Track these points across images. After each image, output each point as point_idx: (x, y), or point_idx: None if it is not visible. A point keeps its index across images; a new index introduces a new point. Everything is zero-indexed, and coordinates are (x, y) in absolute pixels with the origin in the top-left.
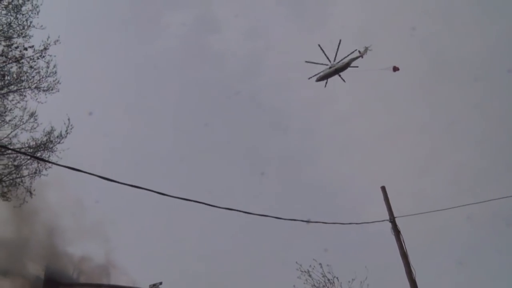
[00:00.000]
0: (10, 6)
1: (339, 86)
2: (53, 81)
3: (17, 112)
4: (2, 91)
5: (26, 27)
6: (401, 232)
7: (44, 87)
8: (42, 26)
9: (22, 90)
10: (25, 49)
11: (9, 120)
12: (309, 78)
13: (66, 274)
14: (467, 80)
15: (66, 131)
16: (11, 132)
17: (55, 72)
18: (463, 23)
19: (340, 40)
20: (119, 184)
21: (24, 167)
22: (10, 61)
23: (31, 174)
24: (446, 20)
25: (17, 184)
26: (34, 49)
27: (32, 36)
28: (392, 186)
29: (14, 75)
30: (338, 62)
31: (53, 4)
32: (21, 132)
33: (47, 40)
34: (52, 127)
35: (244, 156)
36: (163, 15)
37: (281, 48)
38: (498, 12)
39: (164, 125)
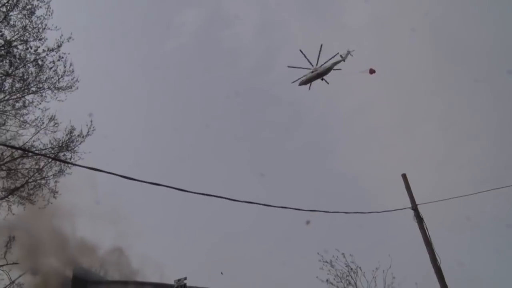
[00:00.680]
0: (25, 10)
1: (354, 78)
2: (71, 79)
3: (38, 113)
4: (23, 94)
5: (41, 30)
6: (424, 219)
7: (63, 86)
8: (56, 27)
9: (42, 90)
10: (42, 51)
11: (32, 121)
12: (292, 82)
13: (94, 273)
14: (487, 68)
15: (87, 132)
16: (34, 135)
17: (72, 71)
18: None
19: (321, 45)
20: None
21: (48, 168)
22: (28, 63)
23: (55, 174)
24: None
25: (41, 186)
26: (49, 48)
27: (47, 39)
28: (412, 175)
29: (33, 76)
30: (320, 66)
31: (66, 5)
32: (44, 134)
33: (60, 38)
34: (72, 126)
35: (258, 151)
36: (174, 15)
37: (294, 41)
38: None
39: (183, 122)
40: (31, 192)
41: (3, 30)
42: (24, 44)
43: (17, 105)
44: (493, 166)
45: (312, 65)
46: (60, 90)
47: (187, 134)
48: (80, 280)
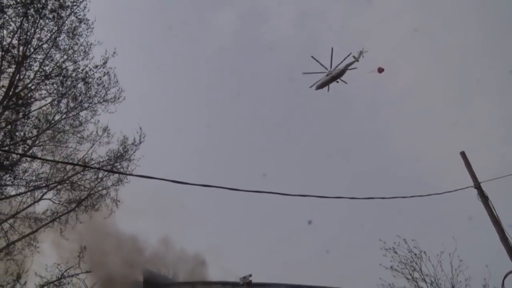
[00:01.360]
0: (71, 34)
1: (398, 61)
2: (117, 90)
3: (91, 127)
4: (77, 111)
5: (87, 49)
6: (489, 198)
7: (110, 98)
8: (99, 41)
9: (93, 105)
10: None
11: (87, 136)
12: (309, 87)
13: (163, 275)
14: None
15: (139, 139)
16: (90, 148)
17: (117, 81)
18: None
19: (332, 48)
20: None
21: (107, 178)
22: (78, 82)
23: (114, 184)
24: None
25: (103, 196)
26: (96, 65)
27: (93, 57)
28: (472, 153)
29: (84, 93)
30: (334, 69)
31: (102, 16)
32: (99, 146)
33: (105, 54)
34: (124, 136)
35: (312, 142)
36: (211, 17)
37: (332, 30)
38: None
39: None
40: (95, 202)
41: (54, 55)
42: (73, 64)
43: (74, 123)
44: None
45: (326, 69)
46: (109, 102)
47: (227, 132)
48: (150, 283)
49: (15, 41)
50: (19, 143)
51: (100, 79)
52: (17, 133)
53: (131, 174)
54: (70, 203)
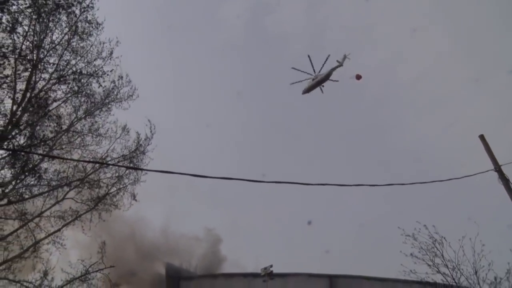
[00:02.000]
0: (84, 35)
1: (406, 48)
2: (131, 88)
3: (108, 125)
4: (93, 111)
5: (99, 48)
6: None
7: (124, 96)
8: (110, 39)
9: (108, 104)
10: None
11: (104, 133)
12: (303, 94)
13: (185, 269)
14: None
15: (151, 132)
16: (109, 147)
17: (129, 80)
18: None
19: (328, 55)
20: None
21: (126, 175)
22: (92, 81)
23: (132, 181)
24: None
25: (122, 193)
26: (103, 57)
27: (109, 57)
28: (491, 135)
29: (98, 93)
30: (319, 73)
31: (112, 12)
32: (117, 143)
33: (110, 44)
34: (137, 132)
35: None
36: (218, 10)
37: (341, 17)
38: None
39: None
40: (115, 199)
41: (67, 56)
42: (87, 65)
43: (92, 126)
44: None
45: (315, 71)
46: (122, 100)
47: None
48: (173, 277)
49: (28, 43)
50: (39, 145)
51: (112, 79)
52: (37, 135)
53: (150, 170)
54: (91, 201)
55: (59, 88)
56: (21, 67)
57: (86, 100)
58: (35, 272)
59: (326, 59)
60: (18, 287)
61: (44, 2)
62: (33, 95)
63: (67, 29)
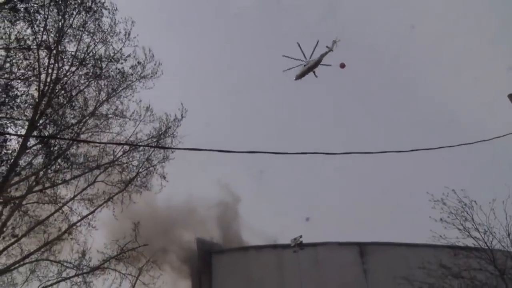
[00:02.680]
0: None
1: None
2: (155, 64)
3: (133, 106)
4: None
5: (114, 28)
6: None
7: (148, 74)
8: (125, 18)
9: (132, 83)
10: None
11: (130, 116)
12: (295, 80)
13: (216, 243)
14: None
15: (181, 115)
16: (135, 127)
17: (152, 56)
18: None
19: (317, 41)
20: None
21: (154, 156)
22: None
23: (160, 162)
24: None
25: (151, 173)
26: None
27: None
28: None
29: (120, 72)
30: (311, 59)
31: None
32: (143, 125)
33: (126, 25)
34: (166, 113)
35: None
36: None
37: None
38: None
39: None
40: (144, 180)
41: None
42: (104, 45)
43: (116, 108)
44: None
45: (306, 58)
46: (146, 78)
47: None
48: (204, 252)
49: (47, 32)
50: (66, 130)
51: (135, 57)
52: (63, 121)
53: (177, 148)
54: (121, 183)
55: (80, 74)
56: (43, 56)
57: (107, 83)
58: (73, 253)
59: (316, 45)
60: (59, 267)
61: None
62: (57, 82)
63: (83, 12)
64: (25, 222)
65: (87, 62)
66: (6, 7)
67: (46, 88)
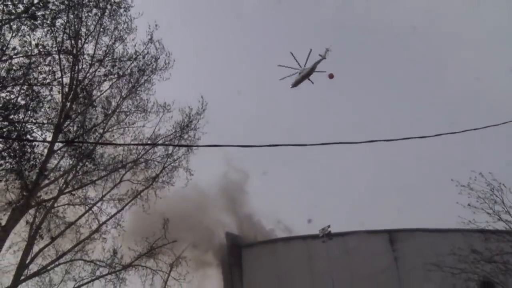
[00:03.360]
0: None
1: None
2: (166, 55)
3: (152, 98)
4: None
5: (130, 24)
6: None
7: (162, 66)
8: (140, 13)
9: (149, 77)
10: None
11: (151, 108)
12: (291, 88)
13: (245, 237)
14: None
15: (202, 108)
16: (157, 124)
17: (163, 47)
18: None
19: (310, 50)
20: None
21: (177, 151)
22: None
23: (184, 154)
24: None
25: (176, 168)
26: (144, 42)
27: (136, 28)
28: None
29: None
30: (305, 67)
31: None
32: (165, 121)
33: (150, 28)
34: (189, 107)
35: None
36: None
37: None
38: None
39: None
40: (170, 175)
41: (103, 39)
42: (122, 43)
43: (137, 102)
44: None
45: (300, 66)
46: (161, 70)
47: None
48: (234, 245)
49: (66, 36)
50: (91, 131)
51: (147, 51)
52: (87, 123)
53: (199, 146)
54: (147, 181)
55: (100, 74)
56: (64, 60)
57: (128, 79)
58: (105, 252)
59: (309, 54)
60: (92, 266)
61: None
62: (78, 84)
63: (99, 12)
64: (57, 224)
65: (105, 62)
66: (25, 15)
67: (69, 90)
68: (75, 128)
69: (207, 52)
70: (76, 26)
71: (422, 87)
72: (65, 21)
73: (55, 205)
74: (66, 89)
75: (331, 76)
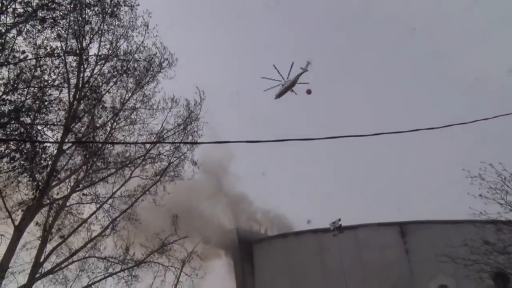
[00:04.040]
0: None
1: None
2: (168, 54)
3: (158, 95)
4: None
5: (133, 21)
6: None
7: (166, 64)
8: (147, 11)
9: (154, 74)
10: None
11: (157, 105)
12: (275, 99)
13: (255, 232)
14: None
15: (200, 98)
16: (163, 121)
17: (165, 47)
18: None
19: (292, 62)
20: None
21: (183, 146)
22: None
23: (190, 149)
24: None
25: (182, 162)
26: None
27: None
28: None
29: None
30: (287, 79)
31: None
32: (170, 116)
33: (143, 17)
34: (187, 100)
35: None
36: None
37: None
38: None
39: None
40: (177, 169)
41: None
42: (126, 40)
43: (140, 95)
44: None
45: (283, 78)
46: (165, 68)
47: None
48: (245, 240)
49: (70, 35)
50: (99, 129)
51: (150, 50)
52: (95, 121)
53: (204, 143)
54: (156, 176)
55: (105, 73)
56: (70, 59)
57: (132, 75)
58: (117, 248)
59: (291, 66)
60: (105, 263)
61: None
62: (84, 84)
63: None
64: (70, 222)
65: (110, 59)
66: (34, 17)
67: (76, 90)
68: (83, 128)
69: (207, 52)
70: (82, 28)
71: (423, 86)
72: (70, 21)
73: (67, 203)
74: (73, 89)
75: (309, 92)
